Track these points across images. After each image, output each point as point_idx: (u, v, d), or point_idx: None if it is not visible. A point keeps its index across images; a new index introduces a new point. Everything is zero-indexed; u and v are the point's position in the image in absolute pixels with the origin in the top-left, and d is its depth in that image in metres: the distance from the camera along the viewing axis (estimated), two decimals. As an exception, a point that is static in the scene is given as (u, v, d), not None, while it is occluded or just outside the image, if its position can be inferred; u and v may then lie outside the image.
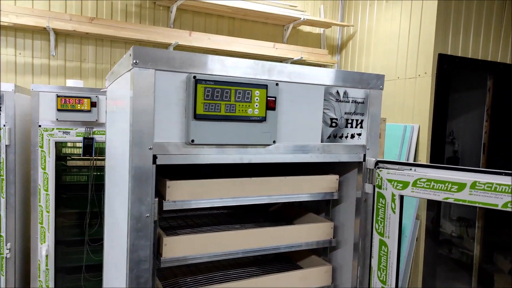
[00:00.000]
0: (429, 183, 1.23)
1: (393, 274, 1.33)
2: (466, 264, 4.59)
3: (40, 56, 3.65)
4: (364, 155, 1.44)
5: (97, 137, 2.79)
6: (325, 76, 1.33)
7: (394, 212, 1.31)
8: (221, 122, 1.17)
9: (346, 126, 1.40)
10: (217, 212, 1.88)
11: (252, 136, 1.22)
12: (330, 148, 1.38)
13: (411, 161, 3.78)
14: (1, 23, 3.36)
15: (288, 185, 1.41)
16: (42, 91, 2.68)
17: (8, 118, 2.56)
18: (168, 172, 1.30)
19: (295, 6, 4.51)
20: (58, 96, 2.67)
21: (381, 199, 1.35)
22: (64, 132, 2.73)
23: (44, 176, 2.70)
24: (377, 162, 1.39)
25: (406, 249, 3.75)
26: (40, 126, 2.68)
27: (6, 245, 2.60)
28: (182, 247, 1.26)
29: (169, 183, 1.21)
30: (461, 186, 1.18)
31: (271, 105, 1.23)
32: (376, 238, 1.38)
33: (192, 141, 1.13)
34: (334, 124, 1.38)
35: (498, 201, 1.10)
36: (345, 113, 1.39)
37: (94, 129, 2.80)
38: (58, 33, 3.65)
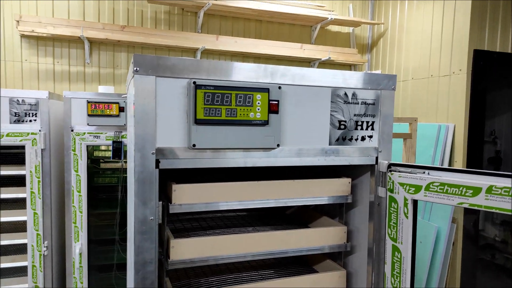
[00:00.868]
0: (443, 187, 1.17)
1: (407, 281, 1.27)
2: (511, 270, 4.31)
3: (76, 64, 3.84)
4: (377, 158, 1.39)
5: (126, 141, 2.90)
6: (331, 78, 1.30)
7: (406, 217, 1.26)
8: (222, 126, 1.17)
9: (356, 128, 1.36)
10: (231, 214, 1.89)
11: (255, 140, 1.21)
12: (339, 151, 1.35)
13: (446, 161, 3.61)
14: (40, 34, 3.57)
15: (298, 189, 1.39)
16: (73, 97, 2.82)
17: (43, 123, 2.71)
18: (178, 176, 1.33)
19: (323, 6, 4.45)
20: (88, 102, 2.80)
21: (393, 204, 1.30)
22: (94, 136, 2.86)
23: (76, 178, 2.83)
24: (389, 165, 1.34)
25: (442, 253, 3.59)
26: (72, 130, 2.82)
27: (43, 243, 2.76)
28: (190, 250, 1.27)
29: (175, 186, 1.23)
30: (476, 191, 1.11)
31: (273, 108, 1.22)
32: (389, 243, 1.33)
33: (194, 145, 1.15)
34: (342, 127, 1.35)
35: (516, 207, 1.03)
36: (355, 115, 1.36)
37: (123, 133, 2.90)
38: (92, 42, 3.82)
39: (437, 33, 3.73)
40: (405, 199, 1.26)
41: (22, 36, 3.63)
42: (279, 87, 1.23)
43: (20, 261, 2.79)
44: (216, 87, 1.15)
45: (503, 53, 3.51)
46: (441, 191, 1.18)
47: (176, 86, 1.14)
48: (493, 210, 1.10)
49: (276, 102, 1.22)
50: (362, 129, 1.37)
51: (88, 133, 2.84)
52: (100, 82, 3.92)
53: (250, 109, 1.19)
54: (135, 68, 1.08)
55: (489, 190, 1.09)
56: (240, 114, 1.18)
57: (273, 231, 1.41)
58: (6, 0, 3.59)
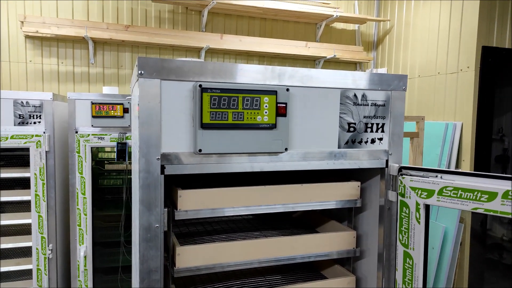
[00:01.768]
0: (456, 192, 1.13)
1: (419, 289, 1.24)
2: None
3: (80, 64, 3.83)
4: (387, 161, 1.36)
5: (130, 142, 2.87)
6: (341, 79, 1.27)
7: (418, 223, 1.22)
8: (228, 130, 1.14)
9: (366, 131, 1.33)
10: (237, 217, 1.86)
11: (262, 144, 1.18)
12: (348, 154, 1.31)
13: (453, 160, 3.56)
14: (44, 35, 3.55)
15: (306, 193, 1.35)
16: (77, 98, 2.80)
17: (48, 125, 2.69)
18: (183, 181, 1.30)
19: (328, 3, 4.40)
20: (92, 103, 2.78)
21: (404, 208, 1.26)
22: (99, 138, 2.84)
23: (81, 180, 2.82)
24: (400, 168, 1.30)
25: (450, 253, 3.55)
26: (76, 132, 2.80)
27: (48, 246, 2.75)
28: (196, 257, 1.24)
29: (181, 192, 1.20)
30: (491, 196, 1.07)
31: (281, 111, 1.18)
32: (400, 249, 1.29)
33: (200, 150, 1.12)
34: (352, 129, 1.31)
35: (533, 213, 0.99)
36: (364, 117, 1.32)
37: (127, 134, 2.88)
38: (96, 42, 3.80)
39: (445, 30, 3.67)
40: (417, 204, 1.22)
41: (27, 36, 3.62)
42: (287, 89, 1.19)
43: (24, 264, 2.77)
44: (223, 90, 1.12)
45: (512, 49, 3.45)
46: (455, 195, 1.14)
47: (181, 89, 1.11)
48: (510, 216, 1.06)
49: (284, 105, 1.19)
50: (372, 131, 1.33)
51: (92, 134, 2.82)
52: (104, 83, 3.90)
53: (258, 113, 1.16)
54: (139, 72, 1.05)
55: (506, 195, 1.05)
56: (247, 118, 1.15)
57: (280, 236, 1.38)
58: (11, 1, 3.57)
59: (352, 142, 1.32)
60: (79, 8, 3.76)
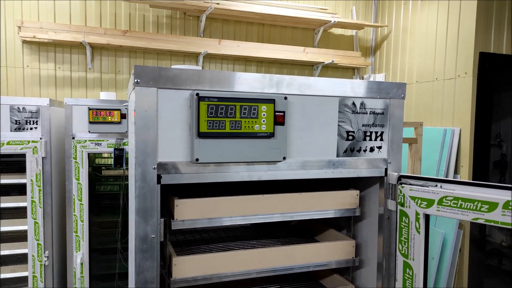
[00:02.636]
0: (456, 202, 1.12)
1: (419, 299, 1.22)
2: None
3: (78, 70, 3.81)
4: (386, 169, 1.34)
5: (127, 148, 2.86)
6: (339, 87, 1.26)
7: (418, 233, 1.21)
8: (226, 139, 1.13)
9: (365, 139, 1.32)
10: (234, 225, 1.84)
11: (260, 153, 1.17)
12: (347, 162, 1.30)
13: (452, 166, 3.56)
14: (42, 40, 3.54)
15: (304, 202, 1.34)
16: (75, 104, 2.78)
17: (44, 131, 2.67)
18: (179, 190, 1.28)
19: (326, 9, 4.41)
20: (90, 109, 2.76)
21: (404, 218, 1.25)
22: (96, 144, 2.82)
23: (78, 186, 2.79)
24: (399, 177, 1.29)
25: (449, 260, 3.53)
26: (73, 138, 2.78)
27: (44, 253, 2.72)
28: (193, 267, 1.23)
29: (178, 201, 1.19)
30: (492, 206, 1.06)
31: (279, 120, 1.17)
32: (400, 259, 1.28)
33: (197, 160, 1.10)
34: (350, 137, 1.30)
35: (534, 224, 0.98)
36: (363, 125, 1.31)
37: (125, 140, 2.86)
38: (93, 47, 3.79)
39: (442, 36, 3.67)
40: (417, 214, 1.21)
41: (24, 42, 3.61)
42: (285, 98, 1.18)
43: (20, 271, 2.74)
44: (220, 99, 1.10)
45: (509, 55, 3.46)
46: (455, 205, 1.13)
47: (178, 98, 1.09)
48: (511, 227, 1.05)
49: (282, 114, 1.18)
50: (370, 139, 1.32)
51: (89, 140, 2.80)
52: (102, 88, 3.89)
53: (255, 121, 1.14)
54: (136, 80, 1.04)
55: (506, 205, 1.04)
56: (245, 127, 1.13)
57: (278, 246, 1.36)
58: (8, 6, 3.56)
59: (351, 151, 1.30)
60: (76, 13, 3.75)
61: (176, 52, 4.02)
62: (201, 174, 1.13)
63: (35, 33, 3.50)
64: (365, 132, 1.31)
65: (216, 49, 4.02)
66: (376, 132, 1.33)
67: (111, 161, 3.14)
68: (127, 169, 2.98)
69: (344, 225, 1.58)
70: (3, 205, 2.67)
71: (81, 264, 2.83)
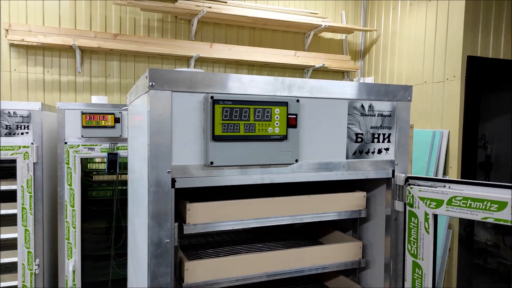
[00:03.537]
0: (466, 202, 1.14)
1: (429, 299, 1.24)
2: (504, 274, 4.34)
3: (67, 73, 3.74)
4: (393, 171, 1.36)
5: (121, 152, 2.82)
6: (349, 90, 1.27)
7: (428, 232, 1.23)
8: (240, 142, 1.12)
9: (373, 141, 1.33)
10: (239, 229, 1.83)
11: (273, 155, 1.17)
12: (356, 164, 1.31)
13: (441, 168, 3.63)
14: (30, 43, 3.46)
15: (313, 204, 1.34)
16: (67, 108, 2.73)
17: (36, 136, 2.61)
18: (188, 194, 1.27)
19: (316, 13, 4.46)
20: (83, 113, 2.71)
21: (413, 218, 1.27)
22: (89, 148, 2.77)
23: (70, 192, 2.73)
24: (407, 178, 1.31)
25: (439, 260, 3.59)
26: (66, 143, 2.72)
27: (35, 261, 2.65)
28: (204, 272, 1.21)
29: (189, 205, 1.18)
30: (501, 205, 1.09)
31: (292, 122, 1.18)
32: (409, 259, 1.29)
33: (211, 163, 1.10)
34: (359, 140, 1.31)
35: (544, 222, 1.01)
36: (371, 127, 1.32)
37: (118, 145, 2.82)
38: (83, 50, 3.73)
39: (430, 40, 3.76)
40: (426, 214, 1.23)
41: (11, 45, 3.52)
42: (297, 100, 1.19)
43: (9, 281, 2.66)
44: (234, 102, 1.10)
45: (496, 59, 3.56)
46: (464, 205, 1.15)
47: (192, 101, 1.08)
48: (520, 225, 1.07)
49: (295, 116, 1.18)
50: (378, 141, 1.34)
51: (82, 145, 2.75)
52: (92, 92, 3.82)
53: (269, 124, 1.14)
54: (150, 83, 1.02)
55: (515, 204, 1.07)
56: (259, 129, 1.13)
57: (288, 249, 1.36)
58: (-6, 8, 3.48)
59: (360, 153, 1.32)
60: (66, 16, 3.69)
61: (167, 56, 3.99)
62: (215, 178, 1.13)
63: (24, 36, 3.42)
64: (373, 134, 1.33)
65: (208, 53, 4.01)
66: (384, 134, 1.34)
67: (103, 166, 3.08)
68: (120, 173, 2.93)
69: (349, 226, 1.59)
70: (-7, 212, 2.60)
71: (73, 271, 2.76)
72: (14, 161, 2.56)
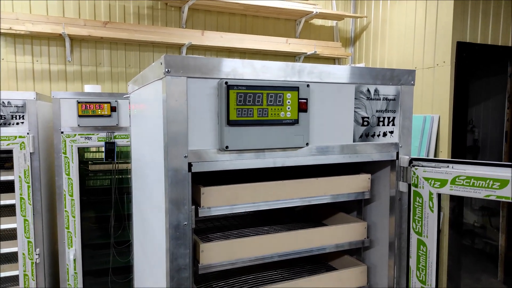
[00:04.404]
0: (469, 181, 1.20)
1: (433, 274, 1.30)
2: (491, 254, 4.52)
3: (57, 62, 3.68)
4: (397, 153, 1.41)
5: (118, 141, 2.81)
6: (356, 74, 1.30)
7: (432, 211, 1.29)
8: (254, 127, 1.15)
9: (378, 125, 1.38)
10: (243, 213, 1.87)
11: (285, 139, 1.20)
12: (363, 147, 1.36)
13: (432, 152, 3.72)
14: (18, 32, 3.39)
15: (321, 187, 1.39)
16: (62, 97, 2.70)
17: (31, 126, 2.59)
18: (199, 179, 1.29)
19: (307, 0, 4.46)
20: (78, 102, 2.69)
21: (417, 198, 1.32)
22: (86, 138, 2.75)
23: (68, 182, 2.73)
24: (411, 160, 1.36)
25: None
26: (62, 132, 2.70)
27: (35, 251, 2.65)
28: (219, 253, 1.25)
29: (203, 189, 1.20)
30: (503, 183, 1.14)
31: (303, 107, 1.21)
32: (414, 237, 1.35)
33: (227, 147, 1.12)
34: (366, 123, 1.35)
35: (544, 198, 1.07)
36: (377, 111, 1.37)
37: (115, 133, 2.81)
38: (73, 39, 3.67)
39: (420, 26, 3.81)
40: (430, 193, 1.29)
41: (-2, 33, 3.44)
42: (308, 85, 1.22)
43: (10, 271, 2.66)
44: (248, 87, 1.12)
45: (484, 44, 3.64)
46: (468, 184, 1.20)
47: (206, 86, 1.10)
48: (520, 201, 1.13)
49: (305, 101, 1.21)
50: (383, 125, 1.38)
51: (79, 134, 2.73)
52: (83, 81, 3.78)
53: (281, 108, 1.17)
54: (166, 69, 1.04)
55: (516, 182, 1.12)
56: (272, 114, 1.16)
57: (298, 230, 1.41)
58: (-20, -4, 3.38)
59: (366, 136, 1.36)
60: (53, 5, 3.61)
61: (158, 44, 3.96)
62: (230, 162, 1.15)
63: (11, 25, 3.35)
64: (378, 118, 1.37)
65: (200, 40, 3.99)
66: (389, 118, 1.39)
67: (99, 155, 3.07)
68: (118, 163, 2.93)
69: (353, 207, 1.64)
70: (-9, 203, 2.58)
71: (74, 260, 2.78)
72: (10, 151, 2.54)
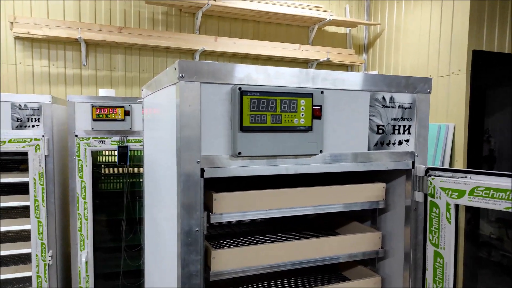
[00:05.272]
0: (488, 192, 1.17)
1: (450, 287, 1.27)
2: (508, 267, 4.40)
3: (72, 67, 3.74)
4: (413, 162, 1.38)
5: (131, 145, 2.83)
6: (371, 82, 1.29)
7: (449, 222, 1.25)
8: (267, 133, 1.14)
9: (393, 133, 1.35)
10: (255, 220, 1.86)
11: (299, 146, 1.18)
12: (377, 156, 1.33)
13: (447, 161, 3.66)
14: (36, 36, 3.46)
15: (334, 195, 1.37)
16: (77, 101, 2.73)
17: (47, 129, 2.62)
18: (211, 185, 1.29)
19: (320, 7, 4.45)
20: (93, 106, 2.72)
21: (434, 209, 1.29)
22: (99, 141, 2.78)
23: (81, 185, 2.75)
24: (427, 170, 1.33)
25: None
26: (76, 135, 2.73)
27: (48, 252, 2.67)
28: (231, 260, 1.24)
29: (216, 195, 1.19)
30: (523, 195, 1.11)
31: (317, 113, 1.19)
32: (430, 249, 1.32)
33: (239, 153, 1.11)
34: (381, 131, 1.33)
35: None
36: (392, 119, 1.34)
37: (128, 137, 2.83)
38: (88, 44, 3.73)
39: (435, 34, 3.76)
40: (448, 204, 1.25)
41: (16, 38, 3.51)
42: (322, 92, 1.20)
43: (23, 272, 2.69)
44: (262, 93, 1.12)
45: (501, 53, 3.58)
46: (487, 195, 1.17)
47: (220, 92, 1.10)
48: (541, 214, 1.09)
49: (319, 107, 1.20)
50: (399, 133, 1.36)
51: (93, 138, 2.76)
52: (97, 85, 3.83)
53: (294, 115, 1.16)
54: (180, 74, 1.04)
55: (537, 194, 1.09)
56: (285, 120, 1.15)
57: (310, 238, 1.39)
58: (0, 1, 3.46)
59: (381, 144, 1.34)
60: (70, 9, 3.67)
61: (172, 49, 3.99)
62: (242, 168, 1.14)
63: (29, 29, 3.41)
64: (394, 126, 1.35)
65: (213, 46, 4.01)
66: (404, 126, 1.36)
67: (112, 159, 3.10)
68: (130, 166, 2.95)
69: (367, 217, 1.61)
70: (6, 204, 2.61)
71: (86, 262, 2.79)
72: (26, 153, 2.57)
